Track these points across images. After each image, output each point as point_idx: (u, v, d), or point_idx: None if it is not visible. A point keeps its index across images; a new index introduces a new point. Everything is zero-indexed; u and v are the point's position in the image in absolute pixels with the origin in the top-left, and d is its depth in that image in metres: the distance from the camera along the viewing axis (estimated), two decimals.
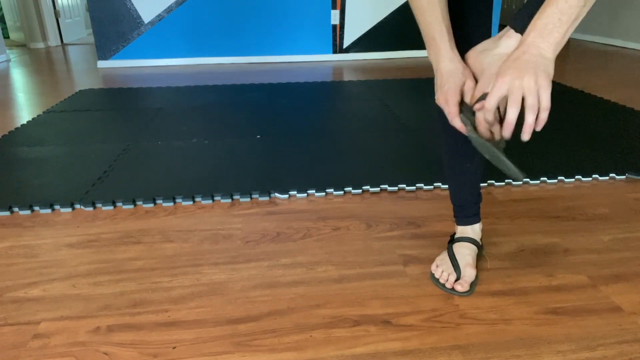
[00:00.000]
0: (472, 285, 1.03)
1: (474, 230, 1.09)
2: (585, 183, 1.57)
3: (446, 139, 1.04)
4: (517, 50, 0.71)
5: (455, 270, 1.03)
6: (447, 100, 0.83)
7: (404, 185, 1.54)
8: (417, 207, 1.42)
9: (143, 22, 3.88)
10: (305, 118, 2.32)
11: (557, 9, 0.68)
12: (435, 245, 1.20)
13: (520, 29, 0.77)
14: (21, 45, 5.36)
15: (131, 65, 3.98)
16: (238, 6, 3.89)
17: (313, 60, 4.12)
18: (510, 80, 0.69)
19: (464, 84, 0.83)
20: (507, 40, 0.80)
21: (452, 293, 1.02)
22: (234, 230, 1.31)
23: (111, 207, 1.45)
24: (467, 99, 0.83)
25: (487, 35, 0.91)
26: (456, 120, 0.84)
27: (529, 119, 0.68)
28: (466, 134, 0.84)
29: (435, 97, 0.86)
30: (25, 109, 2.61)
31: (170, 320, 0.96)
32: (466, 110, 0.83)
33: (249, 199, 1.49)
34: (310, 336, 0.91)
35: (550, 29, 0.68)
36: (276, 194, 1.51)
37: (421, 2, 0.83)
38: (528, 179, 1.56)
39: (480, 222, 1.11)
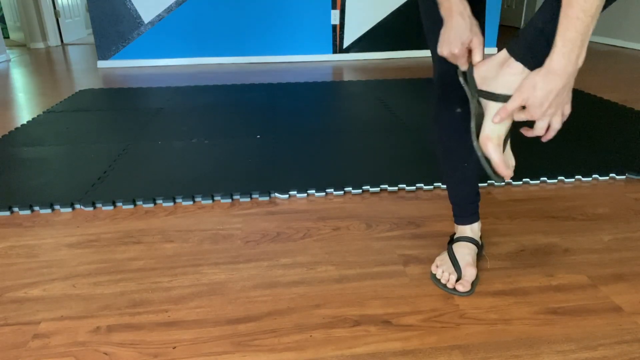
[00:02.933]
0: (473, 284, 1.03)
1: (473, 230, 1.10)
2: (585, 183, 1.57)
3: (442, 140, 1.04)
4: (557, 81, 0.74)
5: (455, 270, 1.03)
6: (453, 54, 0.85)
7: (404, 185, 1.54)
8: (417, 207, 1.42)
9: (143, 22, 3.88)
10: (305, 118, 2.32)
11: (576, 31, 0.69)
12: (435, 245, 1.21)
13: (521, 58, 0.79)
14: (21, 45, 5.36)
15: (131, 65, 3.98)
16: (238, 6, 3.89)
17: (313, 60, 4.12)
18: (554, 109, 0.78)
19: (470, 41, 0.84)
20: (509, 71, 0.80)
21: (453, 293, 1.02)
22: (234, 230, 1.31)
23: (111, 207, 1.45)
24: (476, 57, 0.84)
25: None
26: (462, 67, 0.87)
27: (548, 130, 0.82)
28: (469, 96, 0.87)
29: (438, 49, 0.86)
30: (25, 109, 2.61)
31: (170, 320, 0.96)
32: (470, 76, 0.85)
33: (249, 199, 1.49)
34: (310, 336, 0.91)
35: (577, 54, 0.72)
36: (276, 194, 1.51)
37: None
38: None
39: (479, 222, 1.11)
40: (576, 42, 0.70)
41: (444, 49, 0.85)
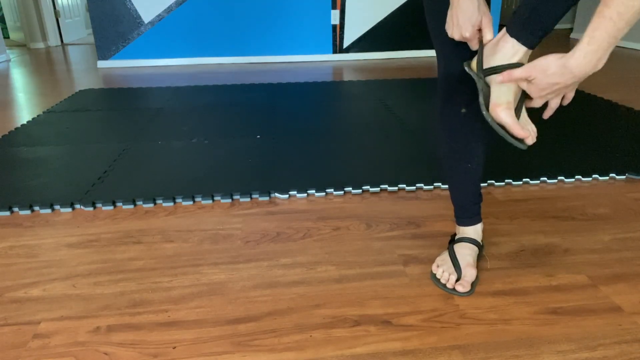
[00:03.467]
0: (473, 285, 1.03)
1: (475, 231, 1.09)
2: (585, 183, 1.57)
3: (446, 140, 1.04)
4: (569, 77, 0.74)
5: (456, 271, 1.03)
6: (463, 36, 0.85)
7: (404, 185, 1.54)
8: (417, 207, 1.42)
9: (143, 22, 3.88)
10: (305, 118, 2.32)
11: (606, 32, 0.68)
12: (435, 245, 1.21)
13: (515, 35, 0.80)
14: (21, 45, 5.36)
15: (131, 65, 3.98)
16: (238, 6, 3.89)
17: (313, 60, 4.11)
18: (554, 94, 0.79)
19: (480, 22, 0.84)
20: (505, 45, 0.82)
21: (452, 293, 1.02)
22: (234, 230, 1.31)
23: (111, 207, 1.45)
24: (487, 36, 0.85)
25: None
26: (474, 47, 0.87)
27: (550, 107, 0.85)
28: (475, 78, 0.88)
29: (448, 32, 0.87)
30: (25, 109, 2.61)
31: (170, 320, 0.96)
32: (480, 55, 0.86)
33: (249, 199, 1.49)
34: (310, 336, 0.91)
35: (600, 56, 0.70)
36: (276, 194, 1.51)
37: None
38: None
39: (482, 223, 1.11)
40: (602, 43, 0.68)
41: (454, 33, 0.85)
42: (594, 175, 1.59)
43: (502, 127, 0.84)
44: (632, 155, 1.74)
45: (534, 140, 0.85)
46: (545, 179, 1.57)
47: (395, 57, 4.20)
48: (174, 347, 0.89)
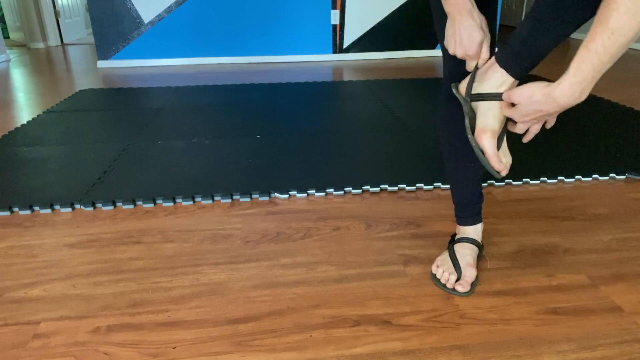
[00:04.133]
0: (473, 285, 1.03)
1: (475, 231, 1.09)
2: (585, 183, 1.57)
3: (448, 139, 1.04)
4: (553, 107, 0.76)
5: (456, 271, 1.03)
6: (467, 55, 0.86)
7: (404, 185, 1.54)
8: (417, 207, 1.42)
9: (143, 22, 3.88)
10: (305, 118, 2.32)
11: (591, 65, 0.69)
12: (435, 245, 1.21)
13: (505, 65, 0.82)
14: (21, 45, 5.36)
15: (131, 65, 3.98)
16: (238, 6, 3.89)
17: (313, 60, 4.11)
18: (536, 120, 0.82)
19: (483, 41, 0.84)
20: (493, 75, 0.84)
21: (452, 293, 1.02)
22: (234, 230, 1.31)
23: (111, 207, 1.45)
24: (483, 55, 0.86)
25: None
26: (471, 67, 0.88)
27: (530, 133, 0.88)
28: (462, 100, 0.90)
29: (450, 48, 0.87)
30: (25, 109, 2.61)
31: (170, 320, 0.96)
32: (472, 77, 0.87)
33: (249, 199, 1.49)
34: (310, 336, 0.91)
35: (584, 88, 0.71)
36: (276, 194, 1.51)
37: None
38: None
39: (482, 223, 1.11)
40: (587, 76, 0.70)
41: (457, 50, 0.86)
42: (594, 175, 1.59)
43: (483, 153, 0.86)
44: (632, 155, 1.74)
45: (507, 172, 0.87)
46: (545, 179, 1.57)
47: (395, 57, 4.20)
48: (174, 347, 0.89)
